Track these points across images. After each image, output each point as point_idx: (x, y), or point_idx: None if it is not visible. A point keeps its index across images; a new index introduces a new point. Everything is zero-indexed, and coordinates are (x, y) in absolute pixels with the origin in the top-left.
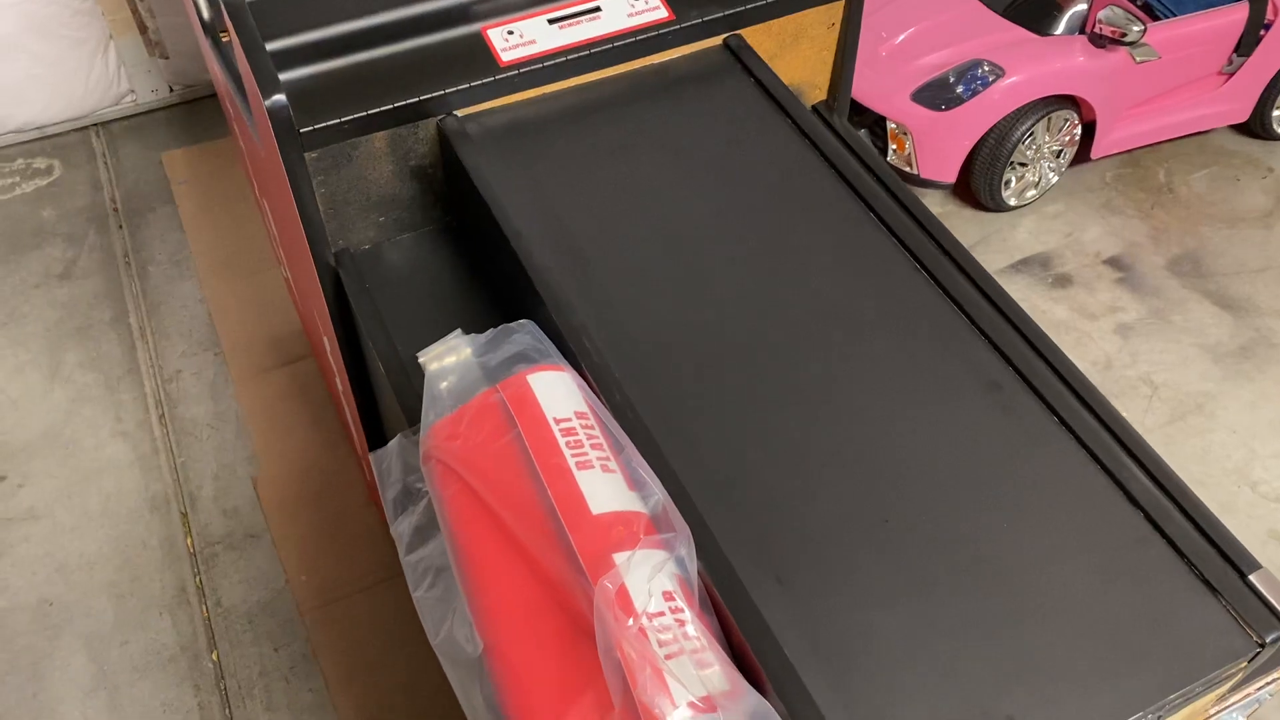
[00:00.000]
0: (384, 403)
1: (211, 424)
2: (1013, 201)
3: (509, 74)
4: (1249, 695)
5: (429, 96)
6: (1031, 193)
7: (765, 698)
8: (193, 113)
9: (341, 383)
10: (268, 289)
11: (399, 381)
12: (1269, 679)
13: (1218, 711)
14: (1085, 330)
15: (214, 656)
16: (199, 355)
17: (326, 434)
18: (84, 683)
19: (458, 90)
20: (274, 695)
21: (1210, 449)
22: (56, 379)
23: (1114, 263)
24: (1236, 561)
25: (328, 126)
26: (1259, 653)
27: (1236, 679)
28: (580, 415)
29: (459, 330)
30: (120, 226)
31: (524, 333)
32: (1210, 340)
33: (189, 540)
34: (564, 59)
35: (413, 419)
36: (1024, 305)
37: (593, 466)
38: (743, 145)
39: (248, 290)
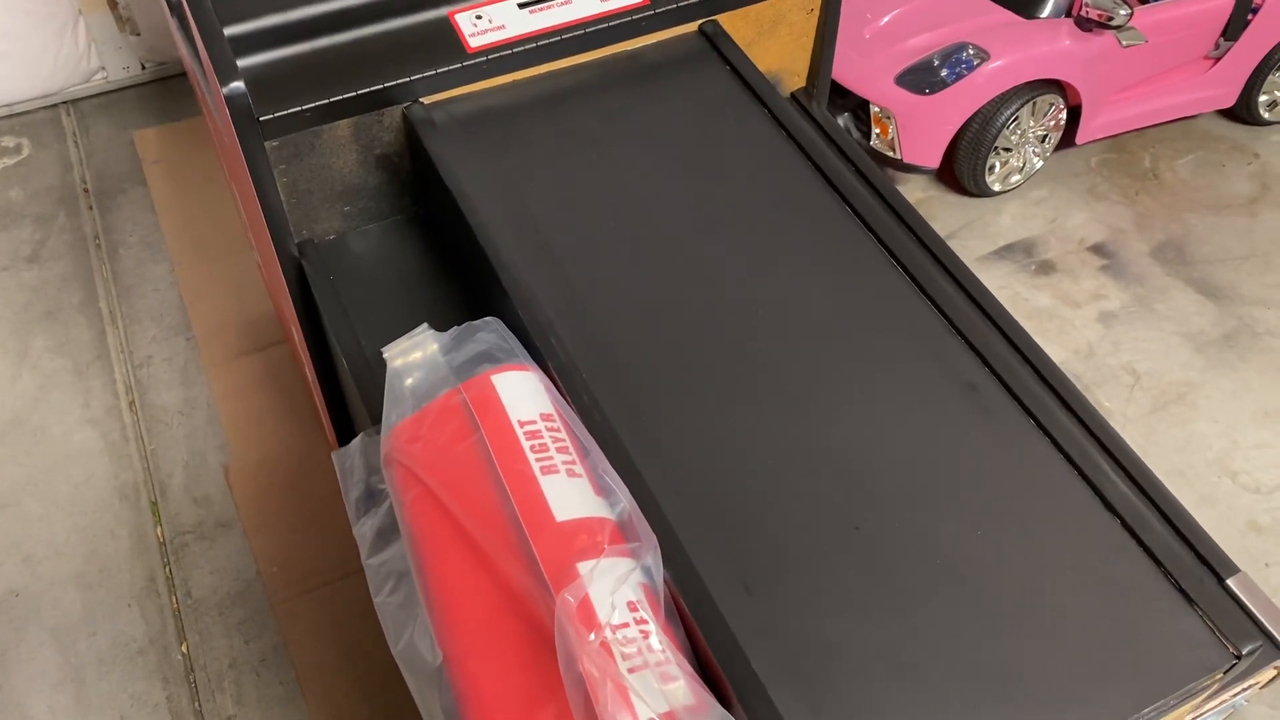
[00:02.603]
0: (350, 396)
1: (183, 411)
2: (997, 187)
3: (477, 60)
4: (1225, 702)
5: (394, 83)
6: (1016, 178)
7: (731, 712)
8: (165, 91)
9: (310, 373)
10: (241, 273)
11: (362, 377)
12: (1245, 686)
13: (1194, 718)
14: (1068, 318)
15: (183, 648)
16: (170, 340)
17: (300, 422)
18: (51, 675)
19: (424, 77)
20: (244, 688)
21: (1191, 439)
22: (24, 364)
23: (1098, 249)
24: (1215, 566)
25: (289, 114)
26: (1235, 664)
27: (1213, 689)
28: (546, 417)
29: (425, 325)
30: (91, 207)
31: (489, 330)
32: (1193, 329)
33: (159, 530)
34: (534, 45)
35: (376, 417)
36: (1006, 293)
37: (558, 471)
38: (717, 136)
39: (221, 274)
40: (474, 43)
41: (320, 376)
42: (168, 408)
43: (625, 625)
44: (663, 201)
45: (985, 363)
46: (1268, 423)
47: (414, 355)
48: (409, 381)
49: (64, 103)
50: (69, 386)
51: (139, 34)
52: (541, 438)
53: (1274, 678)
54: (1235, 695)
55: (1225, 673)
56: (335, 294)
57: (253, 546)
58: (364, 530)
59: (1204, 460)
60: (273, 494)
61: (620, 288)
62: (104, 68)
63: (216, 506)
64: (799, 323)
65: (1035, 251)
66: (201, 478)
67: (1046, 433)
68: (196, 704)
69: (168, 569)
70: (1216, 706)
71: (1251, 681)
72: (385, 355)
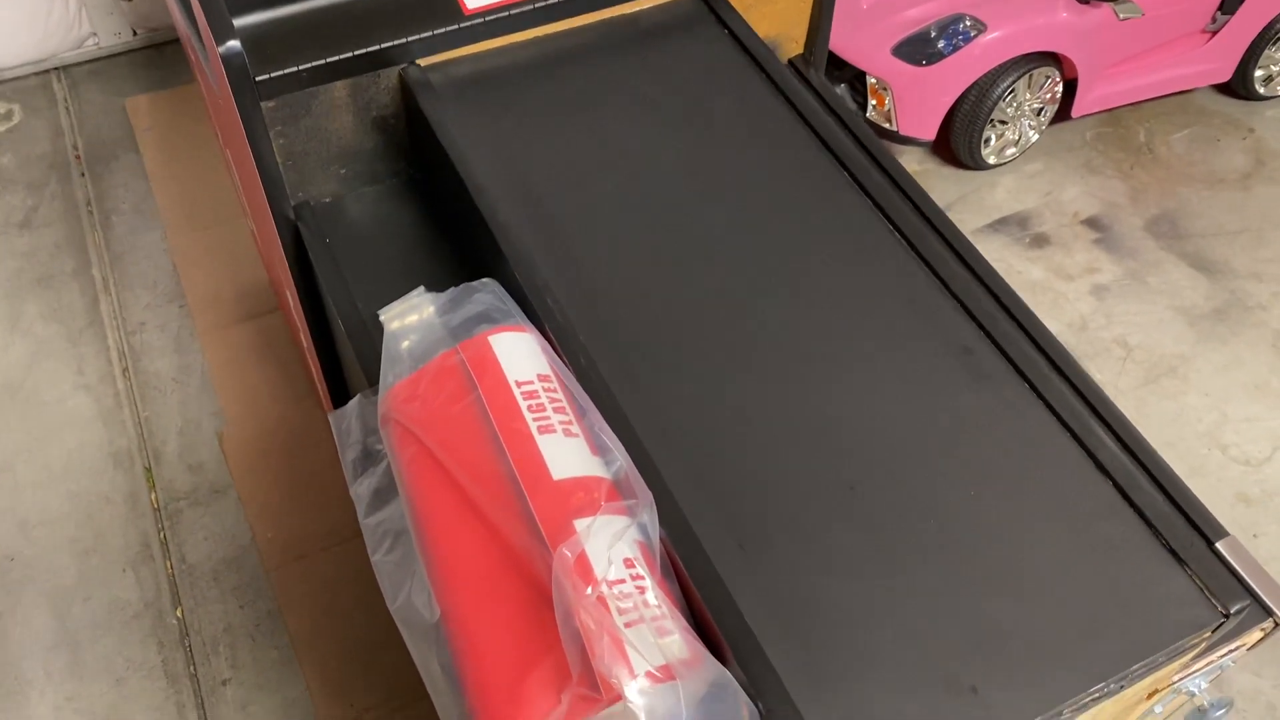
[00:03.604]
0: (346, 360)
1: (176, 378)
2: (992, 160)
3: (474, 22)
4: (1212, 663)
5: (390, 45)
6: (1011, 151)
7: (725, 666)
8: (157, 57)
9: (305, 339)
10: (234, 240)
11: (359, 339)
12: (1233, 646)
13: (1181, 678)
14: (1061, 291)
15: (178, 613)
16: (164, 307)
17: (293, 389)
18: (46, 639)
19: (420, 38)
20: (239, 652)
21: (1182, 412)
22: (16, 331)
23: (1092, 223)
24: (1204, 529)
25: (285, 75)
26: (1223, 623)
27: (1201, 648)
28: (543, 378)
29: (422, 288)
30: (83, 174)
31: (486, 292)
32: (1185, 302)
33: (153, 496)
34: (531, 7)
35: (373, 378)
36: (1000, 265)
37: (554, 431)
38: (714, 100)
39: (214, 241)
40: (471, 4)
41: (316, 341)
42: (161, 374)
43: (621, 581)
44: (660, 165)
45: (980, 326)
46: (1258, 396)
47: (411, 318)
48: (406, 344)
49: (55, 69)
50: (62, 353)
51: None
52: (538, 398)
53: (1260, 640)
54: (1222, 656)
55: (1213, 631)
56: (332, 257)
57: (247, 513)
58: (361, 490)
59: (1194, 433)
60: (267, 461)
61: (617, 250)
62: (95, 34)
63: (210, 473)
64: (795, 286)
65: (1030, 225)
66: (195, 444)
67: (1040, 396)
68: (192, 668)
69: (162, 535)
70: (1204, 668)
71: (1238, 643)
72: (382, 318)
